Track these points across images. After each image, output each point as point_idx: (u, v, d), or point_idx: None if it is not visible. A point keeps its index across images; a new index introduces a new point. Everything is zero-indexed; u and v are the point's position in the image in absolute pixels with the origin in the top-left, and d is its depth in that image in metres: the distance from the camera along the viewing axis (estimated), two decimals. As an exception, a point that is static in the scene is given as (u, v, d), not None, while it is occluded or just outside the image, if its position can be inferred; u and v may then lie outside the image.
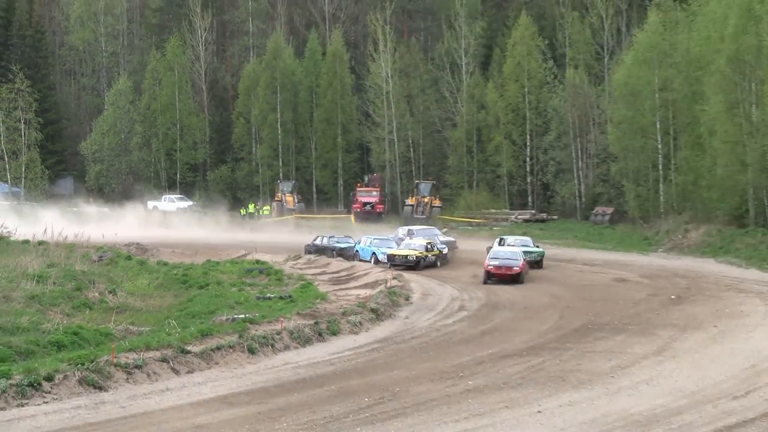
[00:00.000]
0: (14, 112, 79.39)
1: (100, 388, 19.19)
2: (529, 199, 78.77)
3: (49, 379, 18.67)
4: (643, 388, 20.34)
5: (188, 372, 21.29)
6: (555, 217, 74.82)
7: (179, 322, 25.70)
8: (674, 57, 61.41)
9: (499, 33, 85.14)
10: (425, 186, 77.76)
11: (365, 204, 78.10)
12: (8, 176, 79.60)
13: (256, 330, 24.90)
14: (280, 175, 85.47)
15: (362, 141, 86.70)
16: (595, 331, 28.62)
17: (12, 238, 44.56)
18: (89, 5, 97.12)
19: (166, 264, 44.24)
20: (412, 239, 50.55)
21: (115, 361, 20.17)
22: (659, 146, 63.04)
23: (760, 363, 23.10)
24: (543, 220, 73.19)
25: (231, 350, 23.05)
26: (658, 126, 62.81)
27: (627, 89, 64.36)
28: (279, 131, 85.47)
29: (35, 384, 18.35)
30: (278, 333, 25.09)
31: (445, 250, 50.44)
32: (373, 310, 30.65)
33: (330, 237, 53.97)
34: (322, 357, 23.96)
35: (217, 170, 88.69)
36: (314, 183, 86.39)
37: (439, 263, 48.27)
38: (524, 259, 42.78)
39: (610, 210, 69.64)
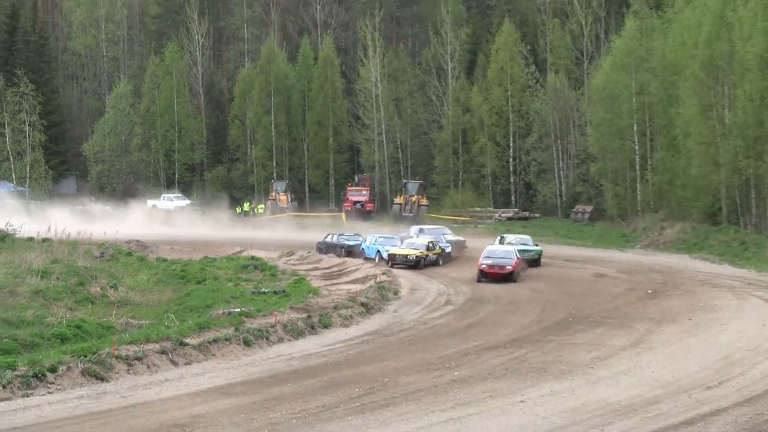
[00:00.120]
0: (19, 115, 79.58)
1: (102, 379, 19.18)
2: (513, 197, 78.81)
3: (53, 370, 18.65)
4: (621, 379, 20.38)
5: (186, 363, 21.27)
6: (537, 215, 74.88)
7: (178, 316, 25.69)
8: (650, 62, 61.50)
9: (483, 39, 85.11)
10: (413, 185, 77.76)
11: (355, 203, 78.19)
12: (13, 176, 79.68)
13: (251, 323, 24.86)
14: (274, 174, 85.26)
15: (352, 142, 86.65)
16: (575, 324, 28.65)
17: (17, 236, 44.43)
18: (91, 12, 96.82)
19: (165, 260, 44.10)
20: (414, 239, 48.99)
21: (116, 353, 20.15)
22: (636, 147, 63.13)
23: (732, 354, 23.17)
24: (526, 218, 73.17)
25: (227, 343, 23.03)
26: (635, 128, 62.88)
27: (605, 93, 64.41)
28: (273, 133, 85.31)
29: (40, 375, 18.34)
30: (272, 326, 25.07)
31: (449, 249, 48.83)
32: (363, 304, 30.65)
33: (340, 234, 53.30)
34: (314, 349, 23.95)
35: (214, 170, 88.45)
36: (307, 182, 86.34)
37: (441, 262, 46.62)
38: (519, 258, 41.28)
39: (589, 208, 69.65)
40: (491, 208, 76.45)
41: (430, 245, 46.81)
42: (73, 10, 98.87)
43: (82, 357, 19.42)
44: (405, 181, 80.00)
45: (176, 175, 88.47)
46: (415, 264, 44.63)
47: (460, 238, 53.62)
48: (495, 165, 78.44)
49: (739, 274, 42.21)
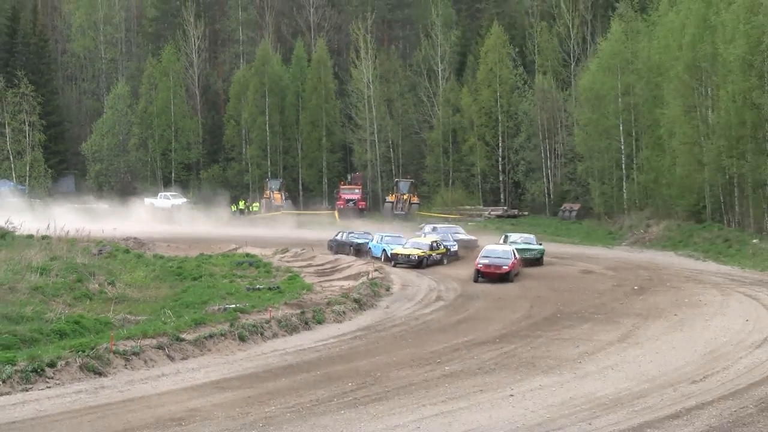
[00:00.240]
0: (19, 115, 79.58)
1: (100, 374, 19.11)
2: (502, 196, 78.80)
3: (51, 365, 18.59)
4: (608, 373, 20.35)
5: (183, 358, 21.21)
6: (526, 213, 74.87)
7: (174, 312, 25.56)
8: (636, 64, 61.60)
9: (473, 41, 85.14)
10: (404, 184, 77.75)
11: (348, 201, 78.07)
12: (13, 175, 79.57)
13: (246, 319, 24.83)
14: (269, 173, 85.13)
15: (345, 142, 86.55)
16: (563, 319, 28.63)
17: (17, 233, 44.24)
18: (90, 15, 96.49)
19: (161, 257, 44.00)
20: (418, 238, 47.95)
21: (114, 348, 20.08)
22: (622, 147, 63.21)
23: (717, 349, 23.16)
24: (514, 216, 73.12)
25: (223, 338, 22.97)
26: (621, 128, 62.93)
27: (592, 94, 64.52)
28: (267, 133, 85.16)
29: (39, 370, 18.29)
30: (267, 322, 25.02)
31: (455, 248, 47.66)
32: (355, 300, 30.61)
33: (349, 233, 51.95)
34: (308, 344, 23.90)
35: (210, 169, 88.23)
36: (300, 181, 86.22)
37: (445, 261, 45.36)
38: (517, 258, 40.36)
39: (576, 206, 69.67)
40: (481, 207, 76.39)
41: (434, 245, 45.78)
42: (73, 12, 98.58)
43: (80, 352, 19.36)
44: (396, 179, 79.99)
45: (173, 174, 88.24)
46: (418, 263, 43.48)
47: (473, 237, 52.48)
48: (484, 164, 78.45)
49: (724, 271, 42.26)
